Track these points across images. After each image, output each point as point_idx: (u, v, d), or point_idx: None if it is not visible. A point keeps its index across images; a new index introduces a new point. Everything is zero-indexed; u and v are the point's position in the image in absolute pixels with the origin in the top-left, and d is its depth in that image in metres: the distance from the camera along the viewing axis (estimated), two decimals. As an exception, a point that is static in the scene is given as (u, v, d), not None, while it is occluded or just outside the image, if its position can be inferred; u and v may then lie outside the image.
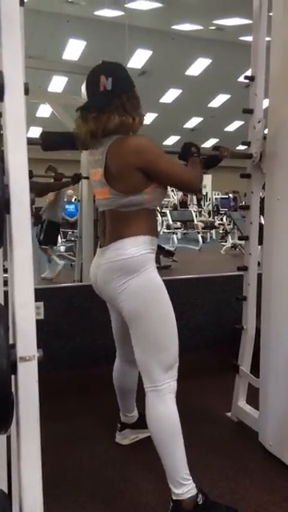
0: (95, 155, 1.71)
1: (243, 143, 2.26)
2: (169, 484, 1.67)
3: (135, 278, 1.64)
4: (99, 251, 1.79)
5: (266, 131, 2.16)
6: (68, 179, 4.18)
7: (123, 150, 1.63)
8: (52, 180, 4.49)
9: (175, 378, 1.70)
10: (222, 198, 15.06)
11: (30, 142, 1.13)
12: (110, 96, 1.64)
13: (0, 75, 0.90)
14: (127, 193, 1.64)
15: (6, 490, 1.25)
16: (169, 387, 1.67)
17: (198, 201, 15.47)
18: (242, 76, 2.28)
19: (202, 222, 12.48)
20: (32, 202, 1.14)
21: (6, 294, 1.27)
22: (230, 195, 14.79)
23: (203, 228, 11.94)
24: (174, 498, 1.66)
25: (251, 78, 2.20)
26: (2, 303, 1.45)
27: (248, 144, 2.23)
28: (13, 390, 0.87)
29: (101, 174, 1.66)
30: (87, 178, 3.97)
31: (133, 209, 1.67)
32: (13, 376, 0.88)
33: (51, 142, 1.91)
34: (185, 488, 1.65)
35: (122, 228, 1.68)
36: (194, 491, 1.66)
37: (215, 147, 2.09)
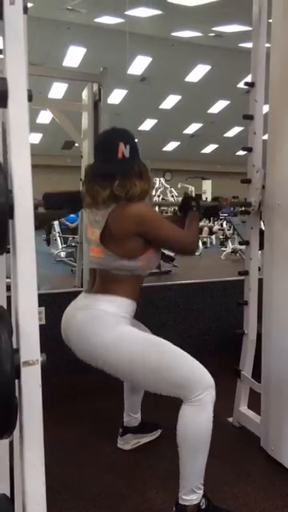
0: (96, 215, 1.75)
1: (243, 149, 2.27)
2: (180, 489, 1.67)
3: (109, 334, 1.66)
4: (82, 295, 1.82)
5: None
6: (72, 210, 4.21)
7: (125, 216, 1.67)
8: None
9: (206, 387, 1.64)
10: (221, 204, 15.02)
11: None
12: (130, 163, 1.70)
13: (4, 82, 0.91)
14: (122, 256, 1.69)
15: (8, 495, 1.25)
16: (202, 398, 1.62)
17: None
18: (242, 82, 2.30)
19: (206, 227, 12.47)
20: (35, 208, 1.15)
21: (9, 298, 1.27)
22: (229, 201, 14.80)
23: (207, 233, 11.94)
24: (181, 503, 1.66)
25: (251, 84, 2.22)
26: (6, 308, 1.45)
27: (248, 149, 2.25)
28: (16, 394, 0.88)
29: (97, 236, 1.71)
30: None
31: (123, 273, 1.72)
32: (16, 380, 0.88)
33: (53, 202, 1.96)
34: (195, 496, 1.66)
35: (110, 286, 1.73)
36: (200, 498, 1.67)
37: (214, 198, 2.16)
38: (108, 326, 1.68)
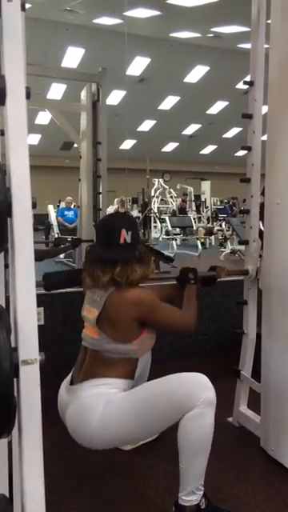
0: (94, 294, 1.75)
1: (243, 148, 2.27)
2: (180, 490, 1.66)
3: (94, 419, 1.64)
4: (67, 388, 1.80)
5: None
6: (67, 244, 4.25)
7: (122, 302, 1.68)
8: (51, 245, 4.56)
9: (205, 389, 1.63)
10: (218, 208, 14.94)
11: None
12: (131, 249, 1.72)
13: (2, 80, 0.91)
14: (116, 340, 1.69)
15: (7, 495, 1.24)
16: (204, 402, 1.61)
17: (197, 207, 15.49)
18: (241, 83, 2.31)
19: (201, 227, 12.49)
20: (33, 206, 1.14)
21: (7, 298, 1.27)
22: (226, 205, 14.78)
23: (204, 234, 11.95)
24: (181, 503, 1.66)
25: (250, 83, 2.22)
26: (4, 307, 1.45)
27: (247, 148, 2.25)
28: (15, 393, 0.87)
29: (94, 316, 1.71)
30: (87, 240, 3.97)
31: (116, 356, 1.72)
32: (15, 380, 0.87)
33: (53, 282, 1.99)
34: (195, 497, 1.65)
35: (99, 369, 1.72)
36: (199, 499, 1.66)
37: (212, 267, 2.23)
38: (91, 411, 1.66)
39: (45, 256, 4.33)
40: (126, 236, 1.71)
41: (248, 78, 2.24)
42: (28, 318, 0.91)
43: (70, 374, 1.85)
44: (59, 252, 4.57)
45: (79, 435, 1.71)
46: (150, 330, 1.76)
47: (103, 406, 1.65)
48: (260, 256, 2.27)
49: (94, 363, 1.74)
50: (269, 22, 2.11)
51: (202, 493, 1.67)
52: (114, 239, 1.71)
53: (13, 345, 0.89)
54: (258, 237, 2.26)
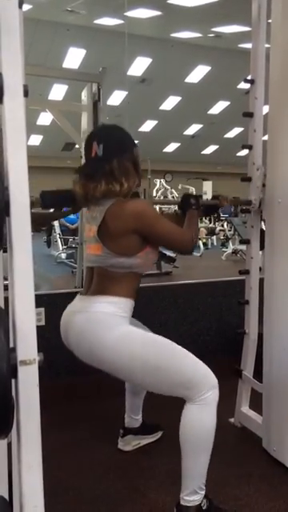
0: (93, 212, 1.73)
1: (243, 146, 2.26)
2: (182, 490, 1.65)
3: (110, 334, 1.64)
4: (78, 297, 1.80)
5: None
6: (69, 208, 4.20)
7: (122, 213, 1.65)
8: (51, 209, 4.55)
9: (210, 386, 1.63)
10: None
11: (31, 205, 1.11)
12: (100, 163, 1.67)
13: (-1, 77, 0.90)
14: (120, 254, 1.67)
15: (6, 498, 1.23)
16: (206, 398, 1.62)
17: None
18: (242, 82, 2.29)
19: (203, 227, 12.48)
20: (32, 205, 1.13)
21: (6, 298, 1.26)
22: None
23: (205, 234, 11.94)
24: (183, 503, 1.65)
25: (251, 82, 2.21)
26: (3, 307, 1.44)
27: (248, 147, 2.24)
28: (13, 394, 0.86)
29: (95, 231, 1.69)
30: None
31: (121, 271, 1.69)
32: (13, 380, 0.87)
33: (50, 201, 1.93)
34: (197, 496, 1.64)
35: (107, 285, 1.70)
36: (201, 499, 1.65)
37: (214, 196, 2.13)
38: (107, 327, 1.65)
39: (49, 218, 4.27)
40: (97, 149, 1.67)
41: (249, 77, 2.23)
42: (26, 318, 0.90)
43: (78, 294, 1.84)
44: (63, 215, 4.55)
45: (85, 346, 1.69)
46: (152, 245, 1.73)
47: (120, 331, 1.64)
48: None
49: (101, 281, 1.72)
50: (269, 21, 2.11)
51: (203, 492, 1.66)
52: (87, 153, 1.71)
53: (11, 345, 0.88)
54: (261, 164, 2.20)
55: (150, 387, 1.75)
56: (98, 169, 1.67)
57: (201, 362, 1.67)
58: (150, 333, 1.79)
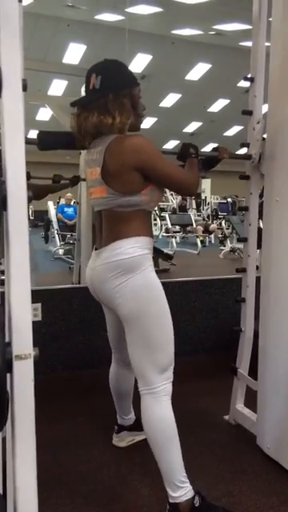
0: (93, 154, 1.70)
1: (242, 145, 2.26)
2: (166, 487, 1.66)
3: (134, 278, 1.63)
4: (94, 254, 1.77)
5: (265, 135, 2.16)
6: (66, 181, 4.16)
7: (121, 149, 1.61)
8: (50, 182, 4.50)
9: (171, 380, 1.69)
10: (220, 203, 15.01)
11: (27, 141, 1.12)
12: (95, 94, 1.65)
13: (-3, 71, 0.90)
14: (124, 193, 1.63)
15: (0, 491, 1.24)
16: (164, 389, 1.66)
17: (197, 205, 15.47)
18: (242, 81, 2.28)
19: (201, 225, 12.48)
20: (29, 200, 1.12)
21: (2, 293, 1.26)
22: (229, 199, 14.76)
23: (202, 232, 11.95)
24: (171, 500, 1.65)
25: (251, 80, 2.21)
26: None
27: (247, 145, 2.24)
28: (8, 389, 0.86)
29: (98, 173, 1.65)
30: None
31: (129, 209, 1.65)
32: (8, 375, 0.87)
33: (48, 141, 1.88)
34: (182, 491, 1.64)
35: (120, 228, 1.66)
36: (190, 494, 1.65)
37: (214, 148, 2.09)
38: (132, 268, 1.62)
39: (44, 192, 4.26)
40: (95, 81, 1.64)
41: (249, 75, 2.23)
42: (22, 312, 0.90)
43: (94, 247, 1.81)
44: (60, 188, 4.53)
45: (108, 283, 1.66)
46: (155, 183, 1.68)
47: (146, 276, 1.64)
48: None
49: (112, 226, 1.68)
50: (270, 19, 2.10)
51: (187, 485, 1.65)
52: (87, 86, 1.69)
53: (7, 340, 0.89)
54: (261, 117, 2.18)
55: (136, 343, 1.69)
56: (92, 100, 1.65)
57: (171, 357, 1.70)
58: (166, 302, 1.73)
